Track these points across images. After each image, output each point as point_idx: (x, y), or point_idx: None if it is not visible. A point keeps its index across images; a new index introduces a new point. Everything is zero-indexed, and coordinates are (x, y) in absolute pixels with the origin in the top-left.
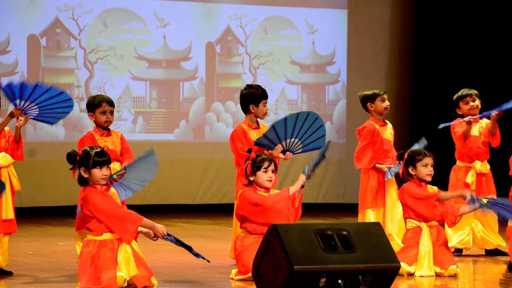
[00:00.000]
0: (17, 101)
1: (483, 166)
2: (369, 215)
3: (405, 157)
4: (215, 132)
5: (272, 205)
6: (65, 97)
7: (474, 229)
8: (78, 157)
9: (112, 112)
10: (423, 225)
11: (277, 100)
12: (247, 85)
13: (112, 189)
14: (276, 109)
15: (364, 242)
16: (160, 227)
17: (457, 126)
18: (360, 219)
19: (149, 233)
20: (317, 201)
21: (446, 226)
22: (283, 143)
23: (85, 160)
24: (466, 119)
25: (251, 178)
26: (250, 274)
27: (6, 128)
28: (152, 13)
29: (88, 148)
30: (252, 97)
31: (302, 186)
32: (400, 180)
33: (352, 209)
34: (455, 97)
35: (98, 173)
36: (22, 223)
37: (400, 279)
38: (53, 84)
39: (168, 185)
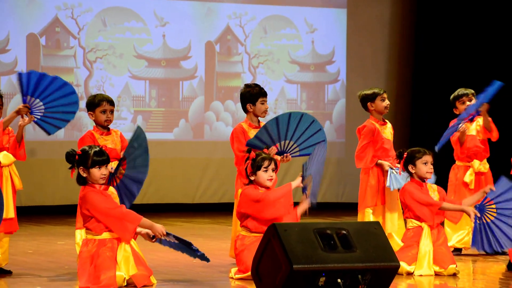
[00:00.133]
0: (27, 98)
1: (481, 165)
2: (369, 214)
3: (404, 156)
4: (214, 131)
5: (274, 199)
6: (73, 100)
7: None
8: (77, 157)
9: (112, 111)
10: (424, 225)
11: (277, 99)
12: (245, 84)
13: (111, 188)
14: (275, 108)
15: (364, 241)
16: (159, 227)
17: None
18: (359, 218)
19: (148, 234)
20: (317, 200)
21: (445, 225)
22: (278, 144)
23: (84, 159)
24: (460, 127)
25: (252, 178)
26: (249, 273)
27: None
28: (151, 12)
29: (87, 148)
30: (249, 96)
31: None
32: None
33: (351, 208)
34: (451, 97)
35: (97, 172)
36: (22, 222)
37: (399, 278)
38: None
39: (168, 184)
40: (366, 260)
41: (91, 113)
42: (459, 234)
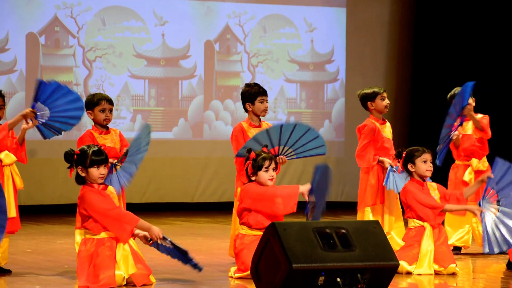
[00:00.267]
0: (37, 104)
1: (480, 163)
2: (368, 213)
3: (403, 155)
4: (213, 130)
5: (280, 195)
6: (78, 114)
7: (474, 227)
8: (75, 156)
9: (111, 110)
10: (426, 224)
11: (276, 99)
12: (245, 84)
13: (110, 188)
14: (274, 107)
15: (363, 240)
16: (156, 230)
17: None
18: (359, 217)
19: (145, 237)
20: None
21: (445, 224)
22: (272, 149)
23: (83, 159)
24: (453, 134)
25: (253, 178)
26: (249, 272)
27: None
28: (151, 11)
29: (85, 147)
30: (248, 95)
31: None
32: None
33: (351, 207)
34: (448, 96)
35: (96, 172)
36: (21, 221)
37: (399, 277)
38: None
39: (167, 183)
40: (365, 259)
41: (90, 112)
42: (459, 233)
